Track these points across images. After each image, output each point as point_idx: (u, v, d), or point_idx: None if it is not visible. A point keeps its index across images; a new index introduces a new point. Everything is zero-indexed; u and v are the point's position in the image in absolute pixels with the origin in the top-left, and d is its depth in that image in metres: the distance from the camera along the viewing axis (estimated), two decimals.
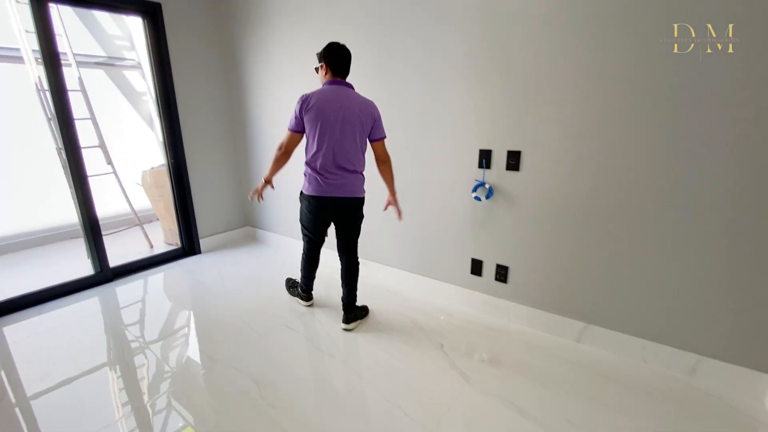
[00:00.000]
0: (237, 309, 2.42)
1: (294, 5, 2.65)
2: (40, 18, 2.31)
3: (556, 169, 1.86)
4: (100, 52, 4.08)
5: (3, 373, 1.87)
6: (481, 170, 2.08)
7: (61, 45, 3.36)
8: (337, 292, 2.57)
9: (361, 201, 2.02)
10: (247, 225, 3.73)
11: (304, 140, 1.94)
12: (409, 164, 2.37)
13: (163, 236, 3.77)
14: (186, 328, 2.26)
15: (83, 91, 3.42)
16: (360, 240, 2.15)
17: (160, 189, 3.47)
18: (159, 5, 2.77)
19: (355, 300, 2.18)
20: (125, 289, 2.74)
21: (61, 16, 3.35)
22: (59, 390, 1.73)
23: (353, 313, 2.15)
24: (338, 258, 2.15)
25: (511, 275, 2.14)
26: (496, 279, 2.19)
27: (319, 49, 1.90)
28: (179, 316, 2.40)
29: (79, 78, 3.40)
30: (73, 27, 3.83)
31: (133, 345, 2.09)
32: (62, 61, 3.43)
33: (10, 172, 3.70)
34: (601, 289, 1.87)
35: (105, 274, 2.80)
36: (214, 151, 3.32)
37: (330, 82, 1.87)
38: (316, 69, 1.95)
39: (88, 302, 2.56)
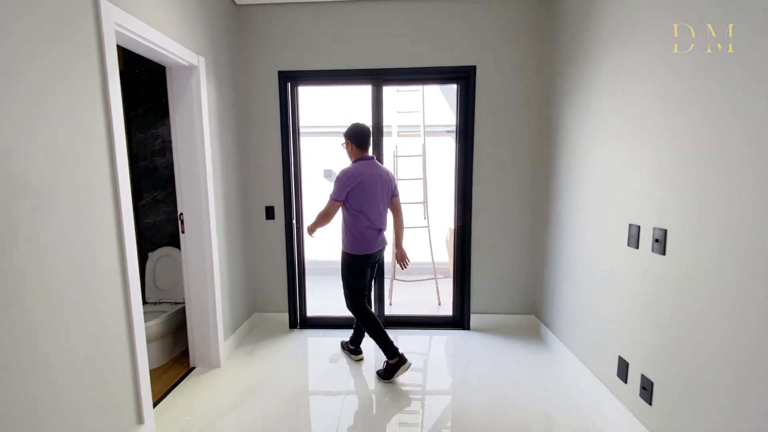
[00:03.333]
0: None
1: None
2: (376, 98, 2.79)
3: None
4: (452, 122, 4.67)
5: (297, 368, 2.44)
6: None
7: (418, 119, 4.08)
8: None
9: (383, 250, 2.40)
10: (532, 314, 2.94)
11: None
12: None
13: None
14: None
15: (423, 156, 3.97)
16: None
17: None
18: (474, 68, 2.69)
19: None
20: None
21: (423, 97, 4.08)
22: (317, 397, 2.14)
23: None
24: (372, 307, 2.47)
25: None
26: None
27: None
28: (403, 399, 2.11)
29: (423, 145, 3.98)
30: (437, 103, 4.61)
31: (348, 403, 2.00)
32: (414, 132, 4.15)
33: None
34: None
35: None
36: (505, 222, 2.84)
37: (361, 158, 2.26)
38: (343, 145, 2.33)
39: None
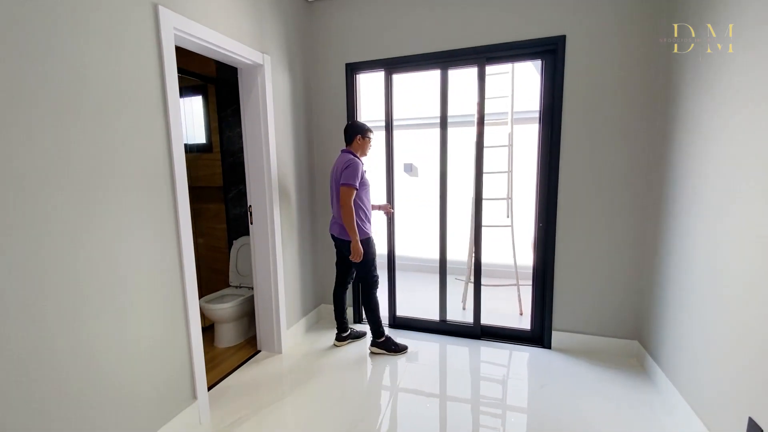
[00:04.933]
0: None
1: None
2: (442, 83, 2.55)
3: None
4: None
5: (353, 363, 2.32)
6: None
7: (506, 105, 3.67)
8: None
9: (344, 242, 2.40)
10: (635, 339, 2.37)
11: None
12: None
13: None
14: None
15: (509, 146, 3.55)
16: None
17: None
18: (562, 38, 2.25)
19: (376, 327, 2.53)
20: (454, 351, 2.59)
21: (513, 80, 3.63)
22: (363, 395, 1.96)
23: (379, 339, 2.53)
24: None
25: None
26: None
27: None
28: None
29: (510, 134, 3.55)
30: (533, 85, 4.07)
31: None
32: (500, 120, 3.75)
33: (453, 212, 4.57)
34: None
35: (475, 329, 2.70)
36: (600, 224, 2.33)
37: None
38: None
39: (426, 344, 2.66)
